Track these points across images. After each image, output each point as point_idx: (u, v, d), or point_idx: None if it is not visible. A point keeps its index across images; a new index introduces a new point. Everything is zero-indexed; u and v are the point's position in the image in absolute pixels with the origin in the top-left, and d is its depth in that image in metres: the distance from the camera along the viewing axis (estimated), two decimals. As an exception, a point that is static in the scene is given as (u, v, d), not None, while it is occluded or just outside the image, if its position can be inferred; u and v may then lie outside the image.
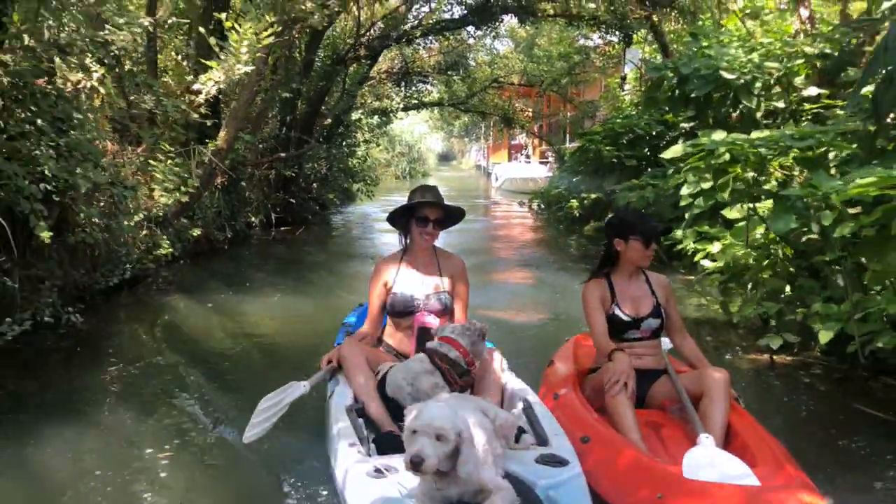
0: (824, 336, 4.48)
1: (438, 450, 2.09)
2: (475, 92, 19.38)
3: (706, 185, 6.64)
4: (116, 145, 6.84)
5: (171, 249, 6.83)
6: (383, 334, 3.51)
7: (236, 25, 6.83)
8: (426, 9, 15.17)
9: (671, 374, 3.23)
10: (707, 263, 6.64)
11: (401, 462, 2.28)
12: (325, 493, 2.90)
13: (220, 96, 8.07)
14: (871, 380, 4.32)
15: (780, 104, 8.07)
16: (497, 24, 14.35)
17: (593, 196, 12.96)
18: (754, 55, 8.18)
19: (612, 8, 12.51)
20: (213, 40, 6.82)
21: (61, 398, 4.14)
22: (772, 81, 8.25)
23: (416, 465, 2.07)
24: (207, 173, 7.96)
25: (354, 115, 16.37)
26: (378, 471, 2.36)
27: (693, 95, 8.09)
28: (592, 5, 12.57)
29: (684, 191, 7.24)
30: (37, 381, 4.47)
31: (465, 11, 13.69)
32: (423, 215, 3.37)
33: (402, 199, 3.78)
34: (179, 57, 9.90)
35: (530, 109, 23.87)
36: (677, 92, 8.48)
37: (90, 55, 5.32)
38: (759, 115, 7.90)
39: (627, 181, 10.51)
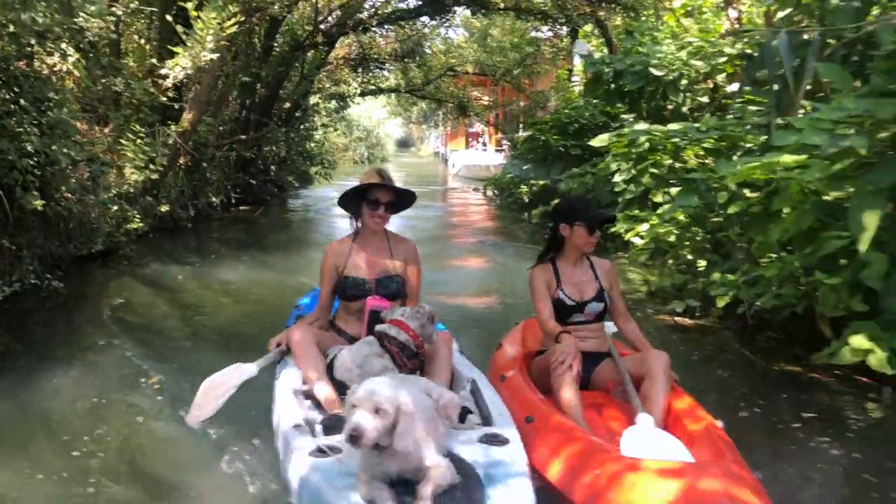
0: (721, 301, 5.25)
1: (377, 423, 2.10)
2: (431, 80, 19.90)
3: (634, 172, 7.37)
4: (86, 125, 7.23)
5: (141, 224, 7.29)
6: (335, 318, 3.50)
7: (201, 14, 7.28)
8: (382, -2, 15.65)
9: (615, 356, 3.29)
10: (637, 241, 7.36)
11: (344, 441, 2.33)
12: (270, 474, 2.93)
13: (184, 80, 8.46)
14: (757, 334, 5.09)
15: (705, 99, 8.84)
16: (450, 15, 14.91)
17: (541, 183, 13.62)
18: (682, 53, 8.93)
19: (558, 3, 13.14)
20: (179, 28, 7.24)
21: (43, 352, 4.66)
22: (699, 78, 9.03)
23: (354, 438, 2.08)
24: (172, 153, 8.39)
25: (312, 100, 16.75)
26: (321, 450, 2.38)
27: (627, 90, 8.81)
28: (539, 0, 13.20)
29: (617, 178, 7.96)
30: (18, 338, 4.98)
31: (420, 2, 14.20)
32: (375, 198, 3.33)
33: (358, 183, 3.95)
34: (142, 41, 10.22)
35: (486, 98, 24.48)
36: (613, 86, 9.21)
37: (66, 41, 5.74)
38: (685, 108, 8.66)
39: (573, 169, 11.21)
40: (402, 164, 36.36)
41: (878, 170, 4.02)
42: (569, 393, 2.94)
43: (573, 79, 17.20)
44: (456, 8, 14.26)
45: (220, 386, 2.97)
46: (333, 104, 19.15)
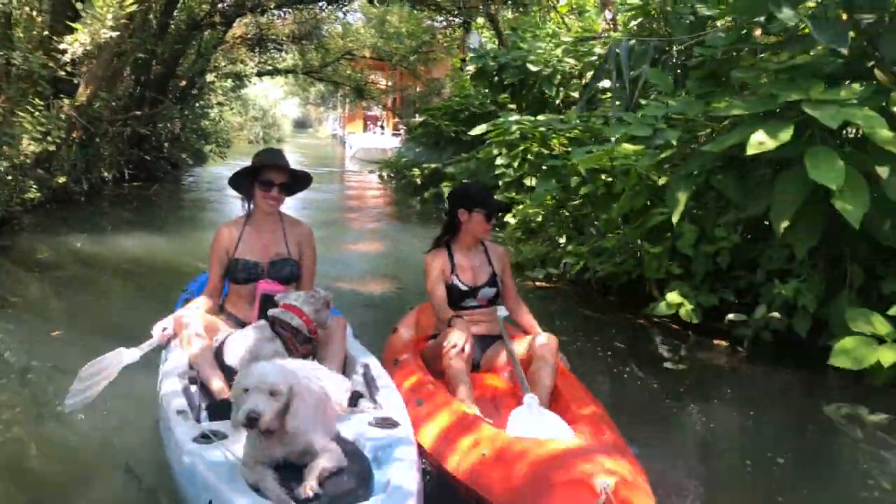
0: (574, 268, 6.17)
1: (273, 406, 2.09)
2: (328, 62, 20.23)
3: (509, 159, 8.21)
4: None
5: (39, 194, 7.47)
6: (224, 302, 3.39)
7: (101, -9, 7.49)
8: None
9: (505, 339, 3.36)
10: (512, 221, 8.21)
11: (229, 427, 2.30)
12: (154, 461, 2.81)
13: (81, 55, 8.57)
14: (600, 297, 6.02)
15: (577, 94, 9.82)
16: (348, 2, 15.37)
17: (432, 166, 14.39)
18: (558, 51, 9.86)
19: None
20: (79, 5, 7.43)
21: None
22: (574, 74, 9.98)
23: (252, 420, 2.05)
24: (68, 127, 8.53)
25: (208, 78, 16.76)
26: (205, 436, 2.35)
27: (508, 82, 9.66)
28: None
29: (498, 162, 8.78)
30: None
31: (319, -14, 14.62)
32: (268, 179, 3.23)
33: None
34: (34, 12, 10.12)
35: (384, 82, 24.98)
36: (497, 78, 10.04)
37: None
38: (558, 101, 9.60)
39: (462, 154, 11.99)
40: (300, 146, 36.10)
41: (689, 159, 4.98)
42: (460, 376, 3.03)
43: (467, 68, 18.07)
44: (354, -5, 14.74)
45: (100, 371, 2.92)
46: (230, 83, 19.14)
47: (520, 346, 3.30)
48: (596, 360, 4.67)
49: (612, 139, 5.68)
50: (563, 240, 6.95)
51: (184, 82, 14.93)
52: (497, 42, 15.79)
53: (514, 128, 7.10)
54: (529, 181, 8.10)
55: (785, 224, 4.17)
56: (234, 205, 3.78)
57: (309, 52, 20.18)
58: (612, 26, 11.31)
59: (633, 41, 6.33)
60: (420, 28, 20.25)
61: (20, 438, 3.20)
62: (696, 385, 4.39)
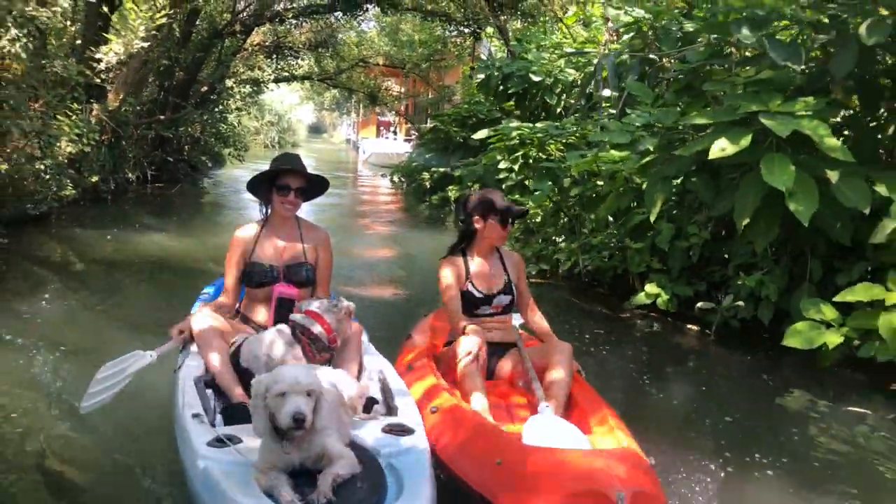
0: (566, 264, 6.70)
1: (310, 405, 2.13)
2: (343, 69, 20.90)
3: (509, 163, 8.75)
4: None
5: (74, 192, 8.11)
6: (240, 307, 3.40)
7: (134, 6, 8.13)
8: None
9: (520, 347, 3.33)
10: (513, 222, 8.72)
11: (245, 431, 2.34)
12: (168, 464, 2.83)
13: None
14: (589, 289, 6.55)
15: (583, 102, 10.33)
16: (362, 11, 16.03)
17: (441, 170, 14.94)
18: (560, 62, 10.40)
19: (462, 9, 14.46)
20: (115, 17, 8.08)
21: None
22: (575, 83, 10.49)
23: (299, 422, 2.10)
24: (100, 130, 9.18)
25: (228, 84, 17.46)
26: (219, 440, 2.35)
27: (511, 91, 10.21)
28: (443, 3, 14.48)
29: (502, 166, 9.32)
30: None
31: (333, -1, 15.29)
32: (285, 184, 3.24)
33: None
34: (67, 22, 10.80)
35: (399, 87, 25.65)
36: (501, 87, 10.60)
37: (16, 27, 6.54)
38: (559, 109, 10.12)
39: (469, 158, 12.53)
40: (314, 150, 36.74)
41: (667, 164, 5.50)
42: (474, 384, 3.02)
43: (478, 76, 18.67)
44: (367, 6, 15.36)
45: (117, 374, 2.93)
46: (248, 89, 19.85)
47: (535, 354, 3.28)
48: (583, 344, 5.18)
49: (604, 143, 6.22)
50: (558, 238, 7.47)
51: (204, 88, 15.62)
52: (506, 51, 16.36)
53: (514, 133, 7.65)
54: (531, 184, 8.61)
55: (745, 222, 4.67)
56: (252, 207, 3.67)
57: (324, 60, 20.89)
58: (614, 38, 11.79)
59: (624, 55, 6.89)
60: (432, 37, 20.88)
61: (37, 439, 3.19)
62: (669, 362, 4.95)
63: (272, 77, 20.07)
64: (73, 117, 8.05)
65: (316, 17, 16.55)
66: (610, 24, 12.19)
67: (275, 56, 19.61)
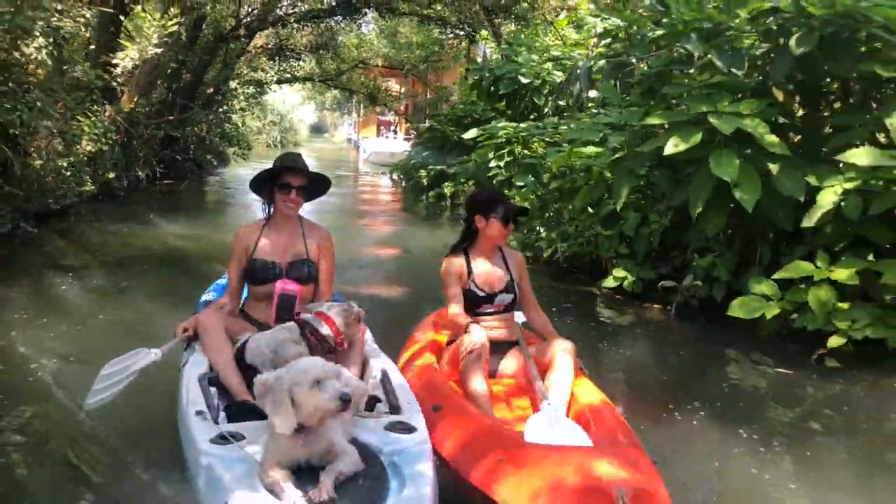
0: (546, 251, 7.32)
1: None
2: (343, 71, 21.56)
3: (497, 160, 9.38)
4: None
5: (93, 187, 8.75)
6: (244, 305, 3.45)
7: (147, 14, 8.76)
8: (300, -3, 17.25)
9: (523, 345, 3.36)
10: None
11: (249, 429, 2.39)
12: (172, 461, 2.79)
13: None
14: (569, 274, 7.16)
15: (563, 103, 10.95)
16: (361, 15, 16.69)
17: (438, 168, 15.54)
18: (548, 64, 11.01)
19: (458, 14, 15.10)
20: (130, 25, 8.71)
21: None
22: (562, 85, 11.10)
23: (347, 402, 2.17)
24: (116, 129, 9.82)
25: (232, 85, 18.11)
26: (223, 437, 2.36)
27: (502, 93, 10.83)
28: (439, 7, 15.13)
29: (493, 163, 9.94)
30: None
31: (334, 3, 15.93)
32: (287, 182, 3.28)
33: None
34: (81, 28, 11.43)
35: (399, 88, 26.30)
36: (493, 89, 11.22)
37: (43, 37, 7.17)
38: (546, 110, 10.74)
39: (464, 157, 13.13)
40: (316, 149, 37.05)
41: (632, 159, 6.11)
42: (476, 382, 3.06)
43: (474, 77, 19.28)
44: (366, 10, 16.01)
45: (121, 371, 2.95)
46: (251, 90, 20.50)
47: (537, 352, 3.31)
48: (562, 322, 5.76)
49: (580, 140, 6.83)
50: (540, 228, 8.08)
51: (210, 89, 16.28)
52: (500, 53, 16.97)
53: (501, 133, 8.28)
54: (516, 179, 9.24)
55: (698, 210, 5.27)
56: (256, 204, 3.85)
57: (325, 61, 21.55)
58: (598, 43, 12.35)
59: (602, 60, 7.48)
60: (430, 39, 21.50)
61: (41, 435, 3.25)
62: (635, 334, 5.63)
63: (275, 78, 20.75)
64: (93, 118, 8.69)
65: (317, 20, 17.23)
66: (598, 28, 12.86)
67: (277, 58, 20.28)
